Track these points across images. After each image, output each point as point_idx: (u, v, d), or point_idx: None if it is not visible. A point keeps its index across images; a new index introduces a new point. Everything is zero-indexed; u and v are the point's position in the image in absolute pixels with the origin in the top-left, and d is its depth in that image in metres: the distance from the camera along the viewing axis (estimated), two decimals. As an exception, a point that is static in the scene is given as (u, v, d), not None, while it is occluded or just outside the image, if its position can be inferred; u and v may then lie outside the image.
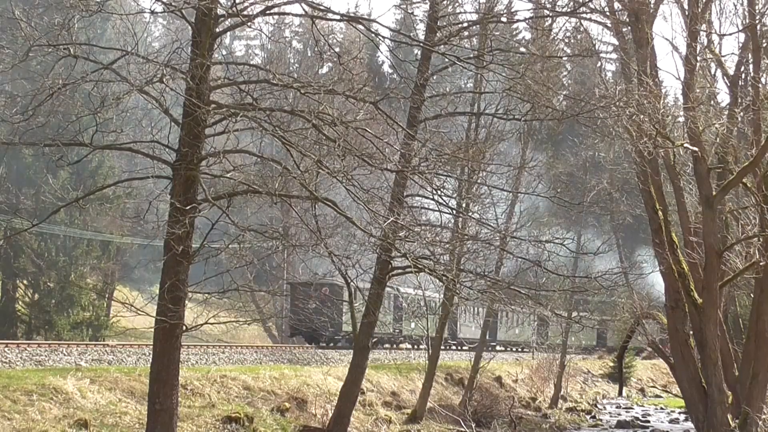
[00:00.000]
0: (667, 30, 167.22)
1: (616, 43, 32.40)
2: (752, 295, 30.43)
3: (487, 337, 54.07)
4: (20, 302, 43.72)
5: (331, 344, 44.94)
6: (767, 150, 24.58)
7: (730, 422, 26.28)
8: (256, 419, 25.14)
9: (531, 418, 40.57)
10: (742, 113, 28.70)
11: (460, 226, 26.80)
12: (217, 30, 17.01)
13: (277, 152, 19.49)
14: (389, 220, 17.68)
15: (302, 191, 17.57)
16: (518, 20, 36.21)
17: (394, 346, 50.49)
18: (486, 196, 29.11)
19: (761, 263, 25.81)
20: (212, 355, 35.38)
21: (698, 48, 27.83)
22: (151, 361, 17.73)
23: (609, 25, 30.55)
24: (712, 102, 31.43)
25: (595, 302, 48.63)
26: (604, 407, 50.90)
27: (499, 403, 38.78)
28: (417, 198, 24.67)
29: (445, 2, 26.55)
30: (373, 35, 21.54)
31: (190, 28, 16.96)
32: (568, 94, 32.05)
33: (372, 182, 19.81)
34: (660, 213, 29.11)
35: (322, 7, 17.75)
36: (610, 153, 34.24)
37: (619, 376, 53.94)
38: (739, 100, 29.98)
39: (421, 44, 22.64)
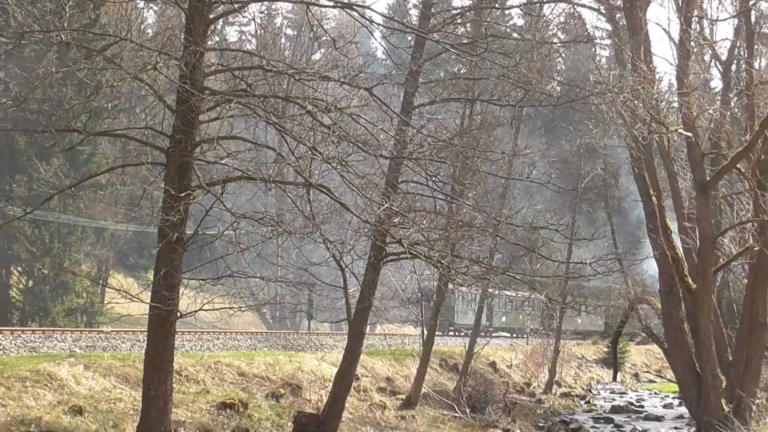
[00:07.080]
0: (662, 15, 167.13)
1: (610, 28, 32.41)
2: (746, 280, 30.49)
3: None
4: (14, 289, 43.62)
5: (445, 332, 52.97)
6: (761, 135, 24.61)
7: (724, 407, 26.36)
8: (251, 405, 25.16)
9: (525, 403, 40.68)
10: (735, 98, 28.73)
11: (454, 212, 26.73)
12: (211, 16, 16.97)
13: (271, 139, 19.45)
14: (384, 206, 17.66)
15: (297, 177, 17.57)
16: (512, 6, 36.11)
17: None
18: (480, 183, 29.04)
19: (755, 248, 25.86)
20: (207, 342, 35.42)
21: (692, 34, 27.82)
22: (145, 347, 17.75)
23: (603, 10, 30.54)
24: (705, 87, 31.41)
25: (590, 288, 48.62)
26: (599, 392, 51.04)
27: (494, 389, 38.83)
28: (411, 184, 24.62)
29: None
30: (366, 21, 21.45)
31: (183, 15, 16.91)
32: (563, 80, 32.01)
33: (366, 169, 19.77)
34: (654, 198, 29.18)
35: (315, -7, 17.70)
36: (605, 139, 34.27)
37: (613, 361, 54.07)
38: (732, 86, 30.01)
39: (415, 31, 22.55)
